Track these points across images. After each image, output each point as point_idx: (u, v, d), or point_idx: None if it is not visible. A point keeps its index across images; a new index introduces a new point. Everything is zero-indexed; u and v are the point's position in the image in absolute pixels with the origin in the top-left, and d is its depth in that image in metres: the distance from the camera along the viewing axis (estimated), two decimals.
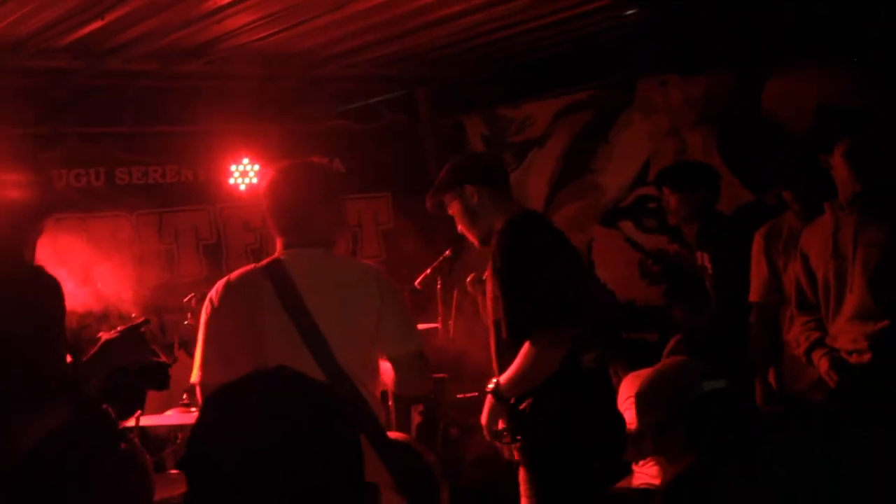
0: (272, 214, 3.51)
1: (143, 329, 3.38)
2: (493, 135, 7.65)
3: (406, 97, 7.92)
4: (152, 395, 4.20)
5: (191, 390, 4.74)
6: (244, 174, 6.93)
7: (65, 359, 3.23)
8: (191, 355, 3.84)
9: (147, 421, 4.52)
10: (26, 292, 3.16)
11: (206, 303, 3.43)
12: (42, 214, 3.43)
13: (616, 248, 6.91)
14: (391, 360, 3.46)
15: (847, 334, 4.14)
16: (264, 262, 3.46)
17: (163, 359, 3.71)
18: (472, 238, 3.87)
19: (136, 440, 3.99)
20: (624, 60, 6.67)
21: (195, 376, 3.40)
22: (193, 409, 4.83)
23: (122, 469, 3.18)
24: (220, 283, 3.46)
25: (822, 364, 4.22)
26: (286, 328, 3.28)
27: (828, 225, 4.25)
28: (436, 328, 5.02)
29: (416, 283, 4.92)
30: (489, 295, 3.76)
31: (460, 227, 3.89)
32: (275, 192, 3.51)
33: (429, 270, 4.84)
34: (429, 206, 3.91)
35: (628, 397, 4.03)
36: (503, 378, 3.61)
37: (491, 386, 3.66)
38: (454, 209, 3.84)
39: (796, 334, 4.44)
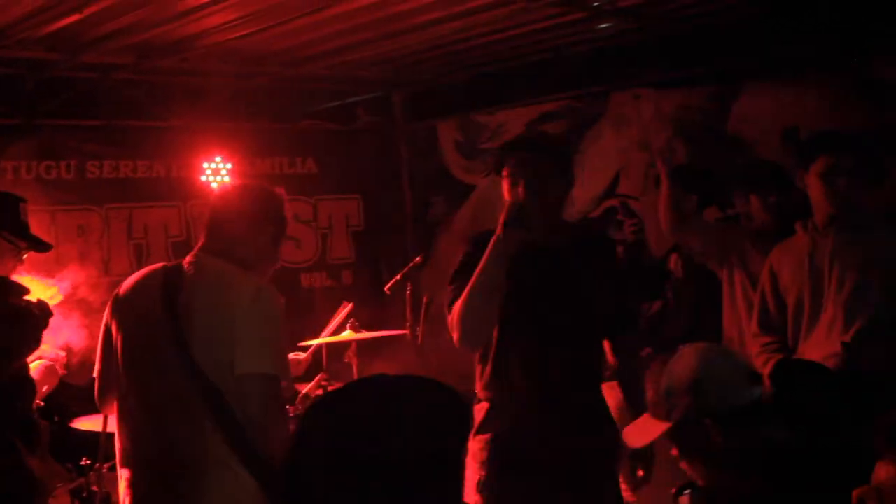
0: (206, 223, 3.44)
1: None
2: (467, 141, 7.68)
3: (381, 100, 7.92)
4: None
5: None
6: (216, 172, 6.92)
7: None
8: None
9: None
10: None
11: (112, 297, 3.38)
12: None
13: None
14: (236, 381, 3.12)
15: (816, 352, 4.03)
16: (171, 264, 3.38)
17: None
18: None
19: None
20: (598, 72, 6.70)
21: (95, 369, 3.40)
22: None
23: None
24: (128, 280, 3.41)
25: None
26: (166, 339, 3.17)
27: (802, 245, 4.18)
28: (403, 335, 5.03)
29: (386, 288, 4.95)
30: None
31: None
32: (218, 203, 3.48)
33: (398, 276, 4.87)
34: None
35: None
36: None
37: None
38: None
39: (755, 353, 4.32)
